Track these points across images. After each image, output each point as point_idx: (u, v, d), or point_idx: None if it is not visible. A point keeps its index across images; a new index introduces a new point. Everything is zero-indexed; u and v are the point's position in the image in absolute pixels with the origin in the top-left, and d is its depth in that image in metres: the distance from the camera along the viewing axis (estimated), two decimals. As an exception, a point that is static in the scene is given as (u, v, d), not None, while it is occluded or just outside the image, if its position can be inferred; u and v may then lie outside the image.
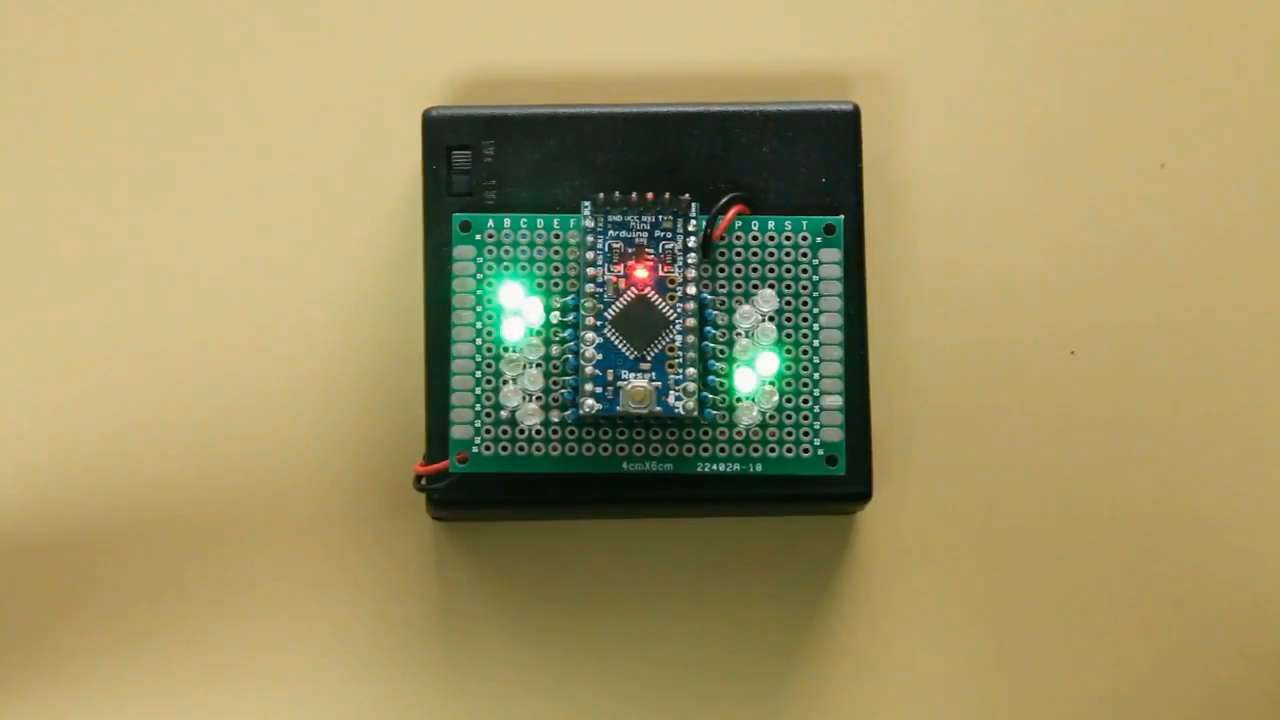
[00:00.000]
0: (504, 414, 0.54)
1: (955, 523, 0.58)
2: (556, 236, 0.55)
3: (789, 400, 0.55)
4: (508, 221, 0.55)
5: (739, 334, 0.55)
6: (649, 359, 0.54)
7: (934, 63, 0.59)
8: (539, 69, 0.59)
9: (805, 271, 0.55)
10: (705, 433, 0.54)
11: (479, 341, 0.54)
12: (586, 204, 0.54)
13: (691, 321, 0.54)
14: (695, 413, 0.54)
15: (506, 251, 0.55)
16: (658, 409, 0.53)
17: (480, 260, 0.55)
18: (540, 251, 0.55)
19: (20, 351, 0.58)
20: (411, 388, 0.56)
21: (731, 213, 0.55)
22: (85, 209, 0.58)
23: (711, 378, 0.54)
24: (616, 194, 0.54)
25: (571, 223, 0.55)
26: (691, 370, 0.54)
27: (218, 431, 0.57)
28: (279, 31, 0.59)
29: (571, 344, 0.54)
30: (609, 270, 0.54)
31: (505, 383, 0.54)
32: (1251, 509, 0.58)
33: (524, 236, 0.55)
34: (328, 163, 0.58)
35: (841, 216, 0.55)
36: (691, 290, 0.54)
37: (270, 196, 0.58)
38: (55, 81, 0.59)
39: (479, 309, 0.54)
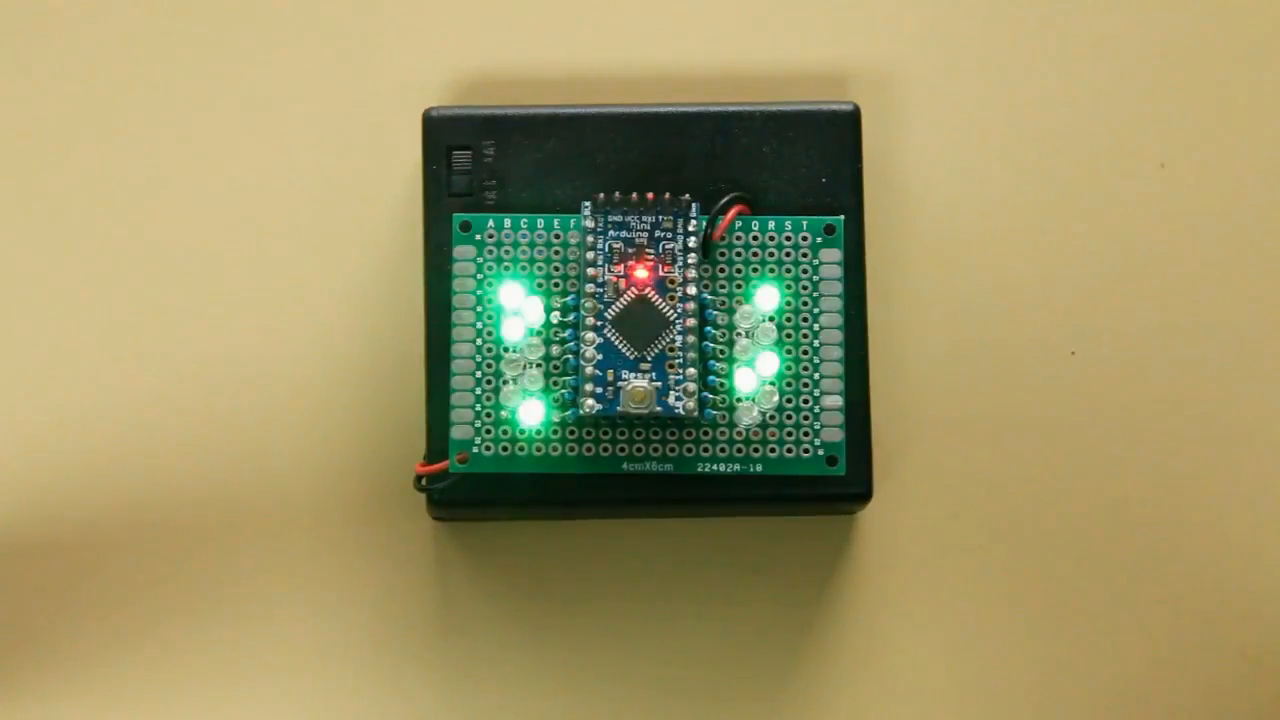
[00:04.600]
0: (504, 414, 0.54)
1: (955, 523, 0.58)
2: (556, 237, 0.55)
3: (789, 400, 0.55)
4: (508, 222, 0.55)
5: (739, 334, 0.55)
6: (649, 359, 0.54)
7: (934, 63, 0.59)
8: (539, 69, 0.59)
9: (805, 272, 0.55)
10: (705, 433, 0.54)
11: (479, 341, 0.54)
12: (586, 204, 0.54)
13: (691, 321, 0.54)
14: (695, 413, 0.54)
15: (506, 252, 0.55)
16: (658, 409, 0.53)
17: (480, 260, 0.55)
18: (540, 251, 0.55)
19: (20, 352, 0.58)
20: (411, 388, 0.56)
21: (731, 213, 0.55)
22: (84, 209, 0.58)
23: (711, 378, 0.54)
24: (616, 194, 0.54)
25: (571, 223, 0.55)
26: (691, 370, 0.54)
27: (218, 432, 0.57)
28: (279, 32, 0.59)
29: (571, 344, 0.54)
30: (609, 270, 0.54)
31: (505, 383, 0.54)
32: (1251, 509, 0.58)
33: (524, 237, 0.55)
34: (328, 163, 0.58)
35: (841, 216, 0.55)
36: (691, 290, 0.54)
37: (270, 197, 0.58)
38: (54, 82, 0.59)
39: (479, 309, 0.54)
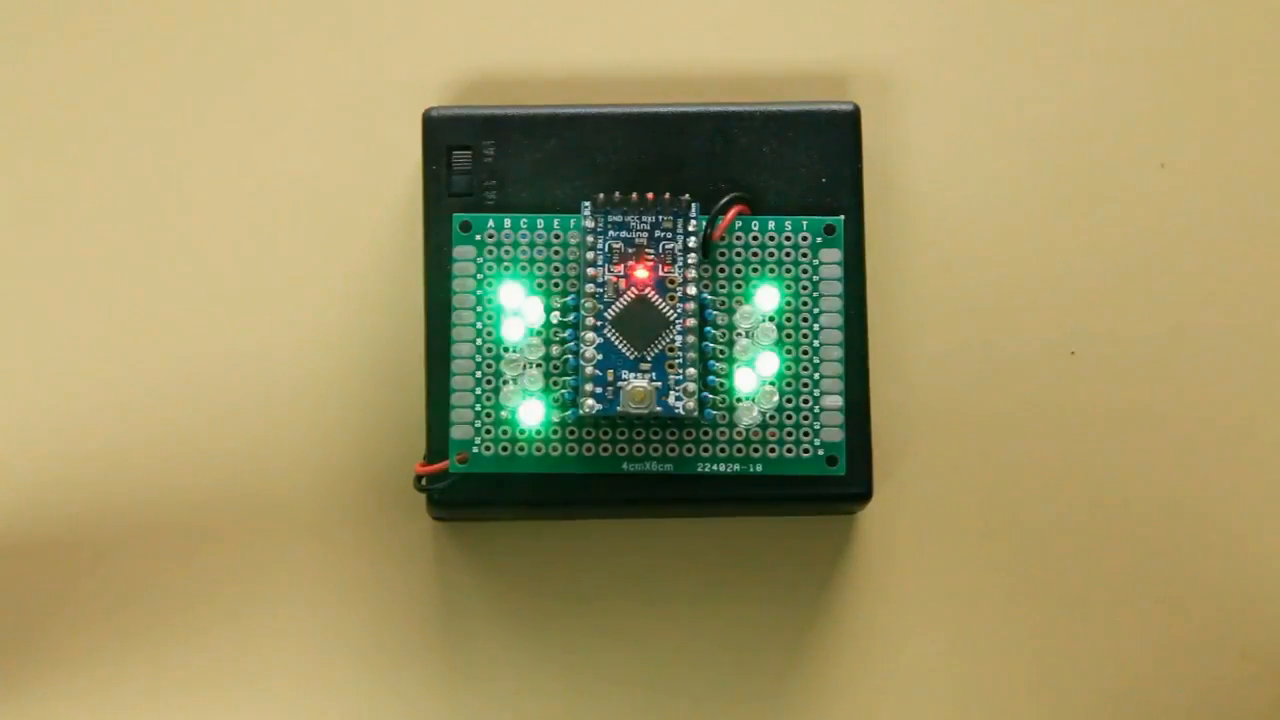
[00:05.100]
0: (504, 414, 0.54)
1: (955, 523, 0.58)
2: (556, 237, 0.55)
3: (789, 400, 0.55)
4: (508, 222, 0.55)
5: (739, 334, 0.55)
6: (649, 359, 0.54)
7: (934, 63, 0.59)
8: (539, 69, 0.59)
9: (805, 272, 0.55)
10: (705, 433, 0.54)
11: (479, 341, 0.54)
12: (586, 204, 0.54)
13: (691, 321, 0.54)
14: (695, 413, 0.54)
15: (506, 252, 0.55)
16: (658, 409, 0.53)
17: (480, 260, 0.55)
18: (540, 252, 0.55)
19: (20, 352, 0.58)
20: (411, 388, 0.56)
21: (731, 213, 0.55)
22: (84, 209, 0.58)
23: (711, 378, 0.54)
24: (616, 194, 0.54)
25: (571, 223, 0.55)
26: (691, 370, 0.54)
27: (218, 432, 0.57)
28: (279, 32, 0.59)
29: (571, 344, 0.54)
30: (609, 270, 0.54)
31: (505, 383, 0.54)
32: (1252, 509, 0.58)
33: (524, 237, 0.55)
34: (328, 163, 0.58)
35: (841, 216, 0.55)
36: (691, 290, 0.54)
37: (271, 197, 0.58)
38: (55, 82, 0.59)
39: (479, 309, 0.54)
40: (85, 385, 0.57)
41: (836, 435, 0.55)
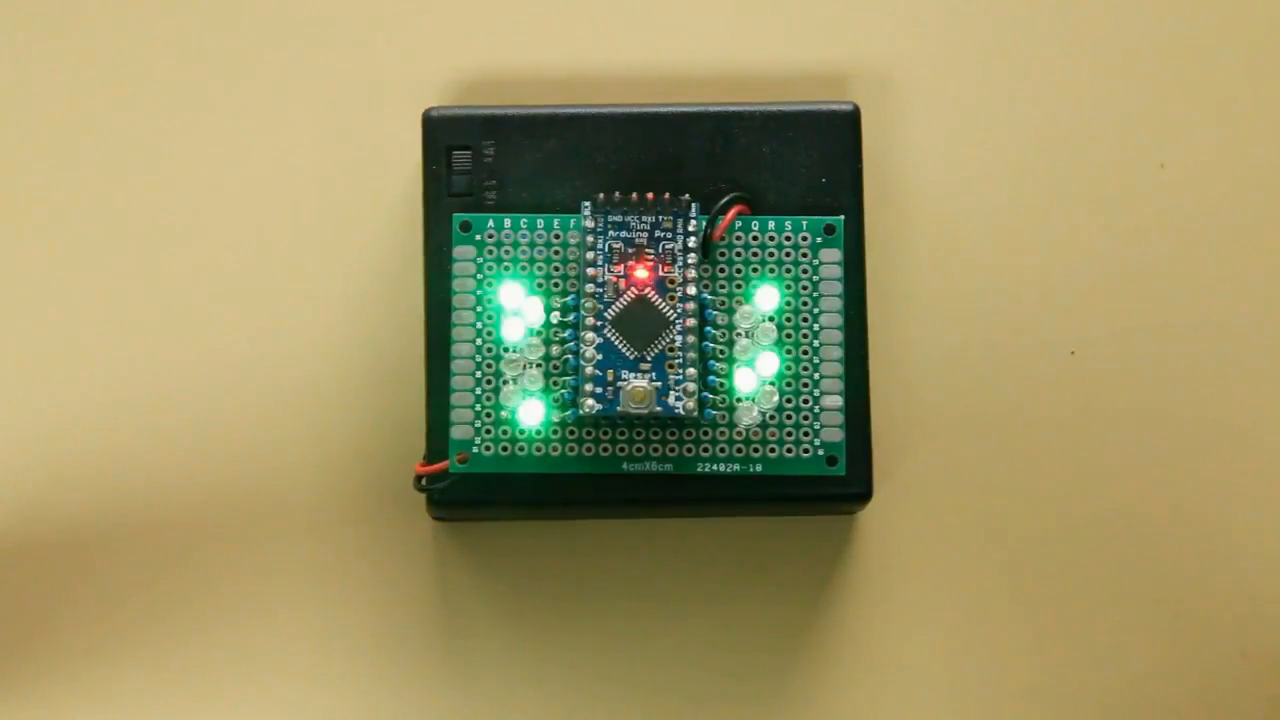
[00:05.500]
0: (504, 414, 0.54)
1: (955, 523, 0.58)
2: (556, 237, 0.55)
3: (789, 400, 0.55)
4: (508, 222, 0.55)
5: (739, 334, 0.55)
6: (649, 359, 0.54)
7: (934, 63, 0.59)
8: (539, 69, 0.59)
9: (805, 272, 0.55)
10: (705, 433, 0.54)
11: (479, 341, 0.54)
12: (586, 204, 0.54)
13: (691, 321, 0.54)
14: (695, 413, 0.54)
15: (506, 252, 0.55)
16: (658, 409, 0.53)
17: (480, 260, 0.55)
18: (540, 251, 0.55)
19: (20, 352, 0.58)
20: (411, 388, 0.56)
21: (731, 213, 0.55)
22: (84, 209, 0.58)
23: (711, 378, 0.54)
24: (616, 194, 0.54)
25: (571, 223, 0.55)
26: (691, 370, 0.54)
27: (218, 432, 0.57)
28: (279, 32, 0.59)
29: (571, 344, 0.54)
30: (609, 270, 0.54)
31: (505, 383, 0.54)
32: (1251, 509, 0.58)
33: (524, 237, 0.55)
34: (328, 163, 0.58)
35: (841, 216, 0.55)
36: (691, 290, 0.54)
37: (270, 197, 0.58)
38: (54, 82, 0.59)
39: (479, 309, 0.54)
40: (85, 385, 0.57)
41: (836, 435, 0.55)
